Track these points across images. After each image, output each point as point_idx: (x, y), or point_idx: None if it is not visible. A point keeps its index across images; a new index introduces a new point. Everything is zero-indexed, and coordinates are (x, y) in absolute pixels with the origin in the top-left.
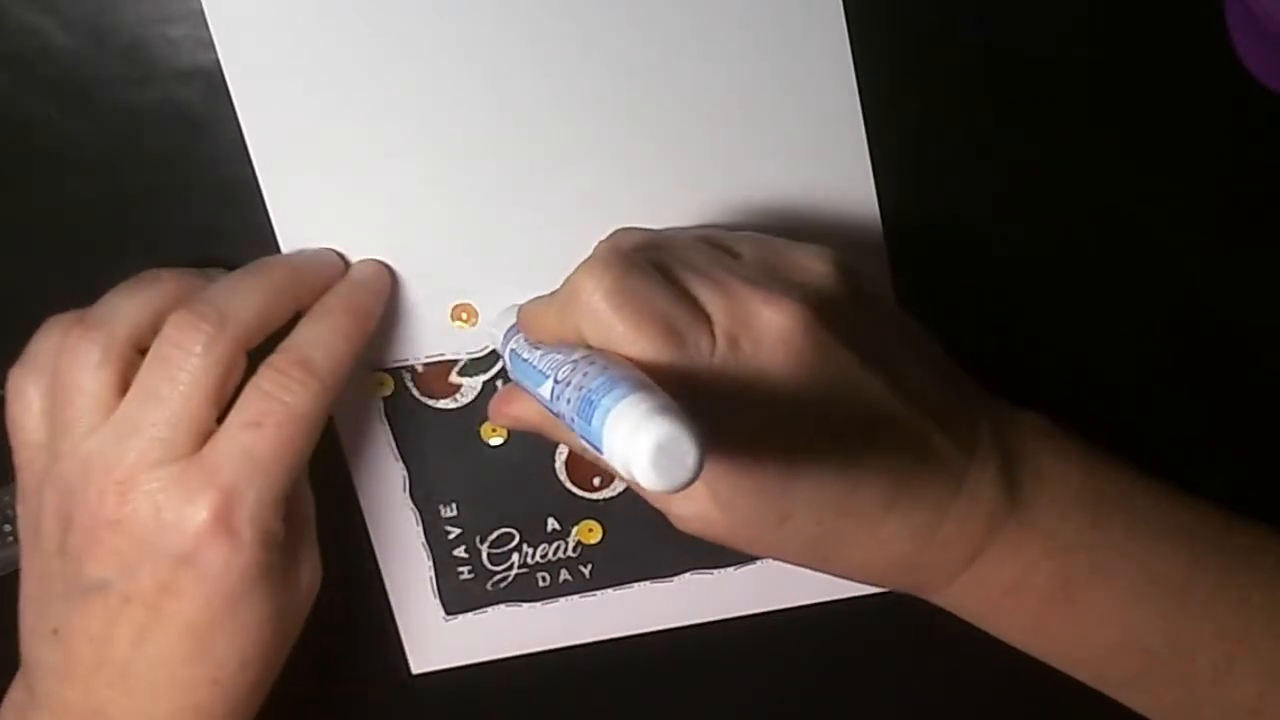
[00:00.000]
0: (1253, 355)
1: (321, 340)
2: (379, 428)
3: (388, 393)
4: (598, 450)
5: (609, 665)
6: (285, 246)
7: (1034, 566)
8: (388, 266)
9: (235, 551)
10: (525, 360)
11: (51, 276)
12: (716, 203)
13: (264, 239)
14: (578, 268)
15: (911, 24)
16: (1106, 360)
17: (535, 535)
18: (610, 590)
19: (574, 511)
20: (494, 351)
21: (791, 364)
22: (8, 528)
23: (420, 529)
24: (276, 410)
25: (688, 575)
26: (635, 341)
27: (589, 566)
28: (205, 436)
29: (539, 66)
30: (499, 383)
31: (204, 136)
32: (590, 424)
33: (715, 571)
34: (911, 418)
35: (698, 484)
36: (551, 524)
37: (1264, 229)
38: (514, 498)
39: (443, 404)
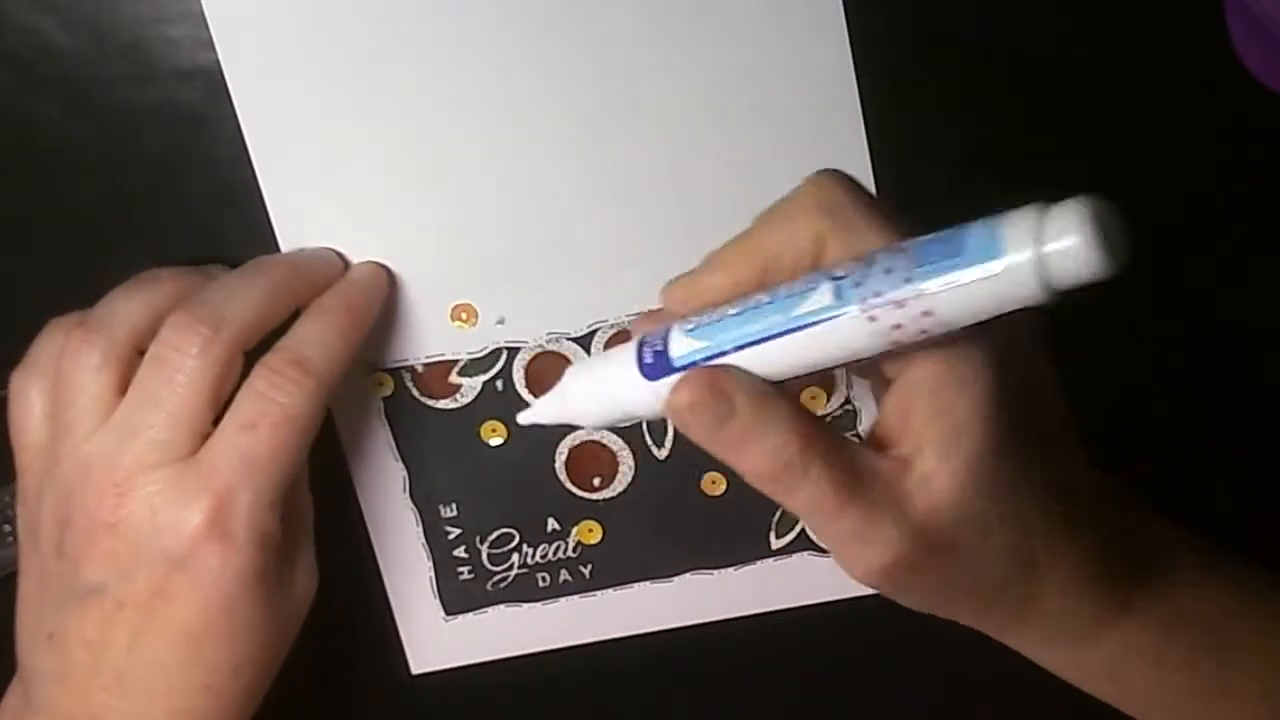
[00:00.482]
0: (1253, 356)
1: (318, 339)
2: (379, 428)
3: (388, 393)
4: (978, 276)
5: (609, 665)
6: (285, 246)
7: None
8: (387, 267)
9: (230, 555)
10: (738, 315)
11: (51, 276)
12: (716, 202)
13: (264, 239)
14: (803, 183)
15: (911, 24)
16: (1106, 360)
17: (535, 535)
18: (610, 590)
19: (574, 511)
20: (494, 351)
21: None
22: (8, 528)
23: (420, 529)
24: (272, 412)
25: (688, 575)
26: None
27: (589, 567)
28: (203, 438)
29: (539, 66)
30: (498, 383)
31: (204, 136)
32: (960, 253)
33: (715, 572)
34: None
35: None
36: (551, 524)
37: (1264, 229)
38: (514, 498)
39: (443, 404)
